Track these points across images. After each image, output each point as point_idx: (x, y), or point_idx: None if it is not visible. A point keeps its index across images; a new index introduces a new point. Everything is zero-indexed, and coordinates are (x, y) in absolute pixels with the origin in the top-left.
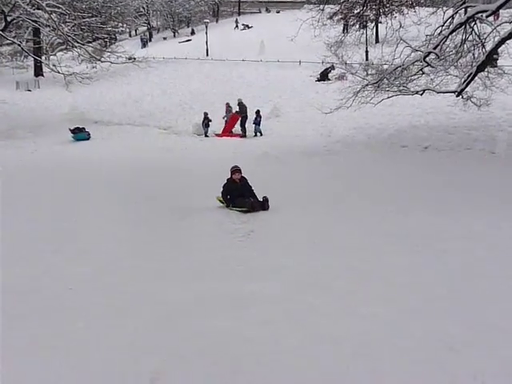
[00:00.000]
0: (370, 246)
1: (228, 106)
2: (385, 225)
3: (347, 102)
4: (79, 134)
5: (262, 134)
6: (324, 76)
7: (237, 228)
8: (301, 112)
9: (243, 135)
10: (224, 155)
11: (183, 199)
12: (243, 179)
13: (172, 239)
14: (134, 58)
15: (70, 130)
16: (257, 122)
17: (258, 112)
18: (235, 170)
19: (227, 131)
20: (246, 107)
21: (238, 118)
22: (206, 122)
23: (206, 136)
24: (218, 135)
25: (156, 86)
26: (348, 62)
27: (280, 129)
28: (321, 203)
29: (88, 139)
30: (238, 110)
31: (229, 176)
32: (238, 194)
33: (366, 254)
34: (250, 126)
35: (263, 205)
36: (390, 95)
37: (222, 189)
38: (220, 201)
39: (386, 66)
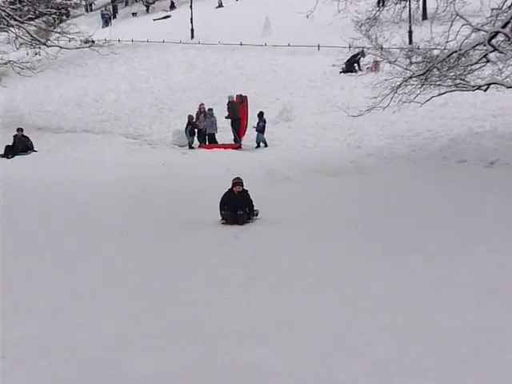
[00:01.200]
0: (415, 297)
1: (201, 107)
2: (435, 269)
3: (383, 102)
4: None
5: (266, 145)
6: (351, 66)
7: (234, 272)
8: (320, 115)
9: (236, 145)
10: (215, 174)
11: (160, 243)
12: (243, 193)
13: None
14: (93, 41)
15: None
16: (260, 129)
17: (261, 115)
18: (237, 182)
19: (242, 133)
20: (238, 108)
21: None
22: (191, 128)
23: (191, 147)
24: (206, 146)
25: (123, 79)
26: (384, 45)
27: (291, 138)
28: (347, 240)
29: (28, 153)
30: (228, 113)
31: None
32: (232, 207)
33: (411, 310)
34: (250, 133)
35: (236, 218)
36: (443, 91)
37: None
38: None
39: (436, 52)
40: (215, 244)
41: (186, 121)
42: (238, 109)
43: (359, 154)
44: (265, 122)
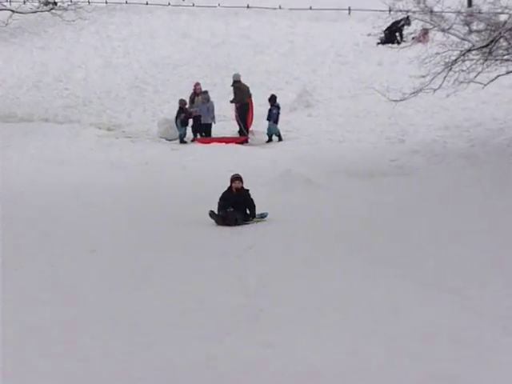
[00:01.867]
0: (478, 338)
1: (197, 88)
2: (500, 307)
3: (433, 82)
4: None
5: (280, 138)
6: (392, 35)
7: (238, 303)
8: (350, 99)
9: (242, 139)
10: (214, 177)
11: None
12: (242, 191)
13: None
14: (55, 3)
15: None
16: (272, 117)
17: (273, 99)
18: (235, 177)
19: (249, 124)
20: (247, 90)
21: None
22: (184, 116)
23: (183, 141)
24: (202, 140)
25: (94, 52)
26: (435, 9)
27: (313, 129)
28: (382, 264)
29: None
30: (234, 95)
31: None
32: (229, 204)
33: (470, 354)
34: (260, 122)
35: (226, 218)
36: None
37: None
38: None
39: (503, 17)
40: (216, 267)
41: (177, 107)
42: (246, 91)
43: (401, 150)
44: (278, 108)
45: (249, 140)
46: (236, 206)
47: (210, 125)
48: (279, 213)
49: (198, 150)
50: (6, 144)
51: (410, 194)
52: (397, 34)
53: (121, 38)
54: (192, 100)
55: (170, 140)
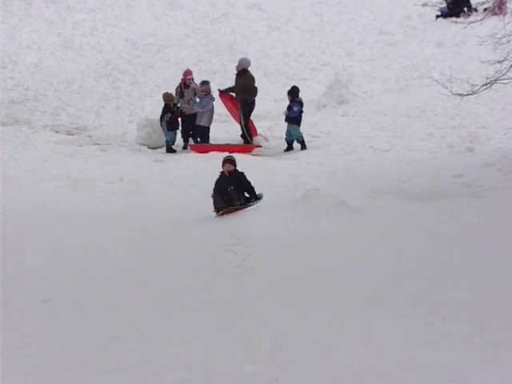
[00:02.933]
0: None
1: (186, 77)
2: None
3: None
4: None
5: (304, 146)
6: (457, 5)
7: (250, 373)
8: (399, 93)
9: (251, 147)
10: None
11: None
12: (236, 173)
13: None
14: None
15: None
16: (293, 117)
17: (294, 92)
18: (227, 159)
19: (253, 130)
20: (253, 81)
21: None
22: (171, 116)
23: (171, 150)
24: (197, 147)
25: (49, 28)
26: None
27: (349, 132)
28: (454, 321)
29: None
30: (230, 86)
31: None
32: (224, 192)
33: None
34: (276, 124)
35: (229, 200)
36: None
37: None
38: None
39: None
40: (216, 323)
41: (163, 104)
42: (253, 81)
43: (470, 161)
44: (301, 105)
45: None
46: (229, 192)
47: (208, 128)
48: (301, 249)
49: (191, 162)
50: None
51: (483, 224)
52: (466, 4)
53: (86, 10)
54: (180, 93)
55: (154, 148)
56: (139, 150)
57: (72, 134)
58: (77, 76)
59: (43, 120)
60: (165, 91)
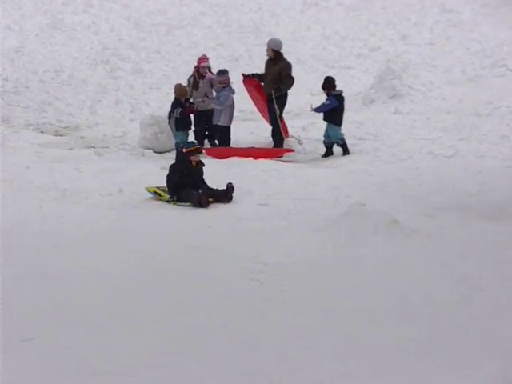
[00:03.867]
0: None
1: (201, 65)
2: None
3: None
4: None
5: (346, 150)
6: None
7: None
8: (466, 85)
9: (281, 151)
10: (235, 220)
11: None
12: (201, 165)
13: None
14: None
15: None
16: (326, 112)
17: (328, 84)
18: (195, 147)
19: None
20: (290, 69)
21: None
22: (183, 111)
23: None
24: (214, 152)
25: (34, 4)
26: None
27: (403, 134)
28: None
29: None
30: (258, 73)
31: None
32: (190, 183)
33: None
34: (311, 123)
35: (226, 194)
36: None
37: (168, 171)
38: (155, 192)
39: None
40: None
41: (172, 97)
42: (289, 68)
43: None
44: (341, 100)
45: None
46: (195, 184)
47: (228, 127)
48: (343, 280)
49: (206, 170)
50: None
51: None
52: None
53: None
54: (194, 85)
55: (161, 152)
56: (143, 155)
57: (60, 135)
58: (67, 63)
59: (25, 117)
60: (175, 82)
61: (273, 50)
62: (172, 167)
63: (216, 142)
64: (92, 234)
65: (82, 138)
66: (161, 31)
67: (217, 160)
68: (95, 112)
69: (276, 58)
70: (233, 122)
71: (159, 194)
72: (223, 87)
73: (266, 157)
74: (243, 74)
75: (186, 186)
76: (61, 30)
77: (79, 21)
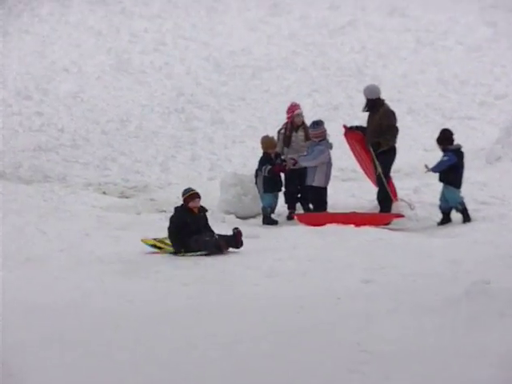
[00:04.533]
0: None
1: (294, 114)
2: None
3: None
4: None
5: (467, 216)
6: None
7: None
8: None
9: (388, 217)
10: (332, 306)
11: None
12: (203, 211)
13: None
14: None
15: None
16: (443, 170)
17: (445, 138)
18: (193, 193)
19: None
20: (394, 118)
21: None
22: (272, 170)
23: (270, 221)
24: (308, 218)
25: (96, 41)
26: None
27: None
28: None
29: None
30: (360, 125)
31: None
32: (195, 231)
33: None
34: (423, 184)
35: (235, 240)
36: None
37: (168, 223)
38: (155, 245)
39: None
40: None
41: (260, 152)
42: (393, 117)
43: None
44: (461, 156)
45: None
46: (199, 231)
47: (324, 188)
48: (465, 375)
49: (299, 239)
50: None
51: None
52: None
53: (149, 15)
54: (286, 139)
55: (245, 218)
56: (223, 221)
57: (126, 197)
58: (134, 112)
59: (85, 175)
60: (263, 134)
61: (368, 100)
62: (172, 219)
63: (310, 205)
64: (161, 315)
65: (151, 200)
66: (245, 74)
67: (310, 228)
68: (167, 170)
69: (375, 106)
70: (330, 183)
71: (159, 247)
72: (319, 141)
73: (370, 224)
74: (345, 126)
75: (191, 235)
76: (127, 73)
77: (149, 61)
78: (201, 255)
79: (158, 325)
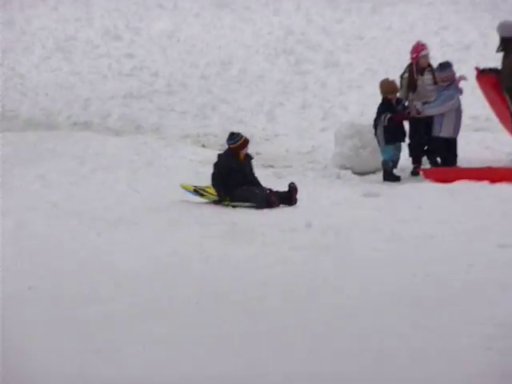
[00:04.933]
0: None
1: (420, 54)
2: None
3: None
4: None
5: None
6: None
7: None
8: None
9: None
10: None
11: None
12: (248, 157)
13: None
14: None
15: None
16: None
17: None
18: (246, 140)
19: None
20: None
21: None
22: (393, 118)
23: (392, 177)
24: (437, 173)
25: None
26: None
27: None
28: None
29: None
30: (495, 67)
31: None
32: (242, 180)
33: None
34: None
35: (290, 196)
36: None
37: (213, 169)
38: (196, 190)
39: None
40: None
41: (379, 98)
42: None
43: None
44: None
45: None
46: (246, 181)
47: (454, 140)
48: None
49: (425, 198)
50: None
51: None
52: None
53: None
54: (410, 82)
55: (363, 173)
56: (338, 177)
57: (204, 145)
58: (237, 54)
59: (181, 126)
60: (382, 78)
61: (503, 39)
62: (217, 164)
63: (438, 159)
64: (268, 284)
65: (257, 153)
66: (363, 10)
67: (438, 185)
68: (274, 119)
69: (510, 46)
70: (460, 133)
71: (201, 194)
72: (447, 85)
73: (507, 180)
74: (477, 69)
75: (238, 184)
76: (229, 9)
77: None
78: (249, 206)
79: (263, 300)
